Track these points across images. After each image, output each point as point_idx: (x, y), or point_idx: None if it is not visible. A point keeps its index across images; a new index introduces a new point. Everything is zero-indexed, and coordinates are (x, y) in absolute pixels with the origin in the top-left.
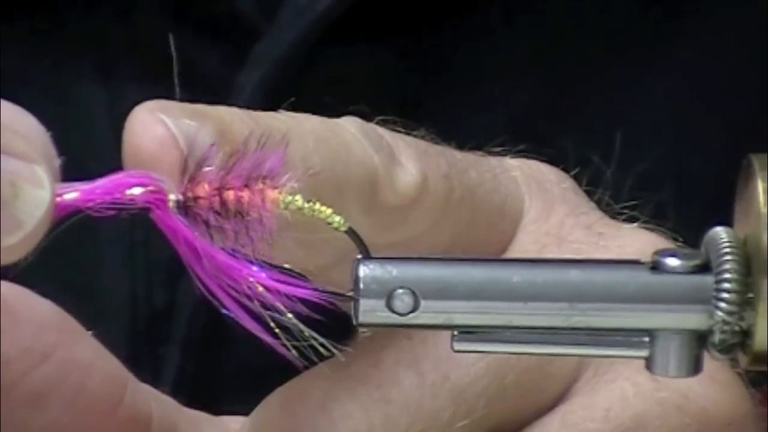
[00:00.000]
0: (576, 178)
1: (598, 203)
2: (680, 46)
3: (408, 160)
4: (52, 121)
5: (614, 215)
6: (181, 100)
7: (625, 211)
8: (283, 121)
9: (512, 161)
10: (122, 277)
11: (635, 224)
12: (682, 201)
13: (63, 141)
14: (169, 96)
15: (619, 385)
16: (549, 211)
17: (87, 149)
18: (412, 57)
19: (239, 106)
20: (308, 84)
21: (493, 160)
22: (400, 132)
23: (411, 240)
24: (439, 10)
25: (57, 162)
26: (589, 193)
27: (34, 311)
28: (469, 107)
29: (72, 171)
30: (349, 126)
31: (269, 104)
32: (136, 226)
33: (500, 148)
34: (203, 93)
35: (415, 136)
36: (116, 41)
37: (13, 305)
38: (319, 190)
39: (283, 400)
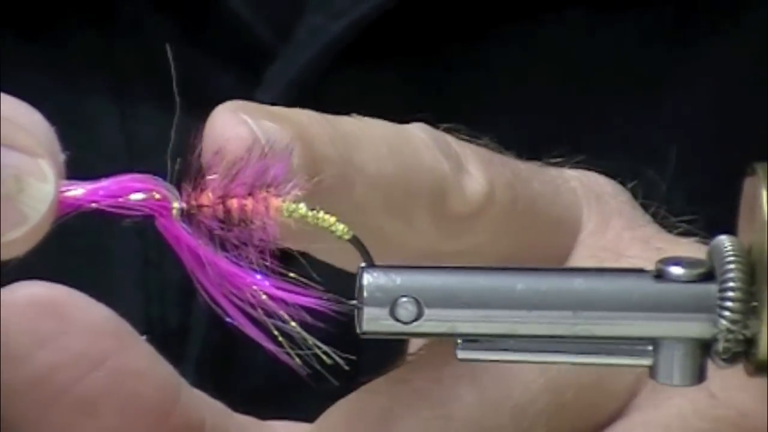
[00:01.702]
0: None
1: (653, 217)
2: (694, 71)
3: (475, 168)
4: (65, 139)
5: (669, 230)
6: (196, 121)
7: (681, 225)
8: (357, 125)
9: (571, 172)
10: (136, 297)
11: (692, 239)
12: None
13: (76, 159)
14: (181, 116)
15: (677, 403)
16: (606, 224)
17: (100, 167)
18: (424, 78)
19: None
20: (322, 105)
21: (554, 171)
22: (465, 140)
23: (474, 249)
24: (451, 32)
25: (61, 157)
26: (645, 207)
27: (88, 316)
28: (479, 128)
29: None
30: (419, 132)
31: None
32: (149, 246)
33: (559, 159)
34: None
35: (478, 144)
36: (129, 61)
37: (67, 310)
38: (390, 196)
39: (344, 414)
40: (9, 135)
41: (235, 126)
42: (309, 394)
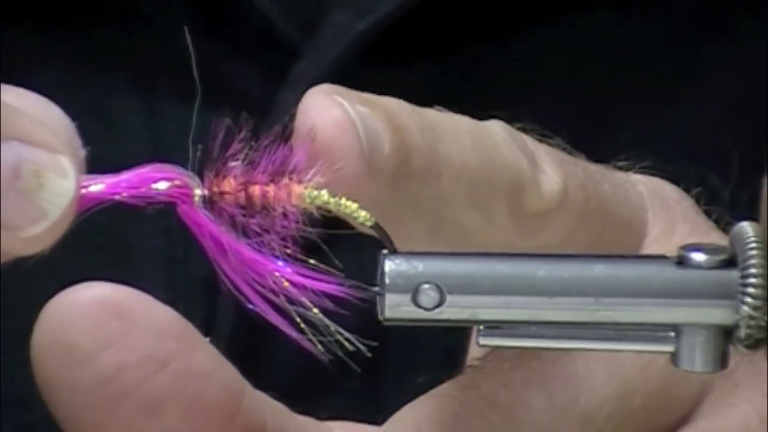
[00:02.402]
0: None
1: (717, 223)
2: (714, 71)
3: (549, 167)
4: (89, 136)
5: None
6: (221, 118)
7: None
8: (442, 117)
9: (638, 176)
10: (161, 295)
11: None
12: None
13: (101, 156)
14: (206, 113)
15: (742, 410)
16: (672, 229)
17: (124, 164)
18: (449, 76)
19: (281, 125)
20: None
21: (621, 174)
22: (538, 140)
23: (547, 248)
24: (476, 30)
25: (82, 152)
26: (707, 213)
27: (153, 318)
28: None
29: None
30: (498, 129)
31: None
32: (174, 243)
33: (625, 162)
34: (243, 111)
35: (551, 144)
36: (154, 58)
37: (133, 311)
38: (472, 189)
39: (414, 419)
40: (28, 130)
41: (330, 108)
42: (335, 391)
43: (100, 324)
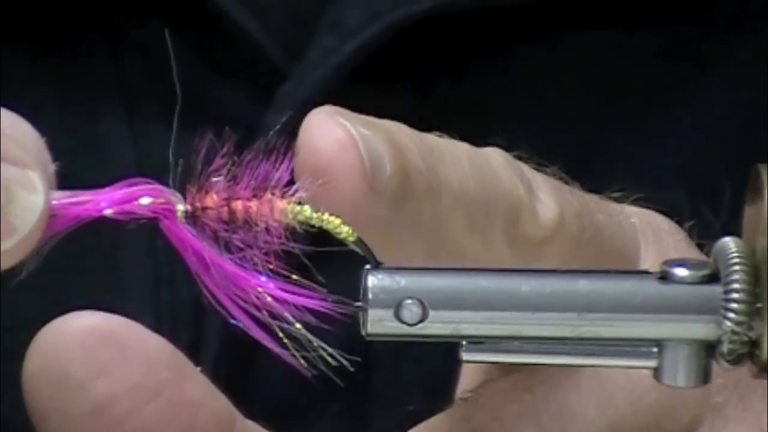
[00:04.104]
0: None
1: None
2: (710, 89)
3: (546, 195)
4: (76, 158)
5: None
6: (209, 139)
7: None
8: (442, 142)
9: (632, 208)
10: (147, 317)
11: None
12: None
13: (88, 178)
14: (192, 135)
15: None
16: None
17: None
18: (436, 97)
19: (267, 146)
20: None
21: (616, 205)
22: (534, 168)
23: None
24: (465, 51)
25: (52, 168)
26: (699, 246)
27: (145, 347)
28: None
29: None
30: (497, 155)
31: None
32: (161, 266)
33: (618, 194)
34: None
35: (547, 173)
36: (140, 81)
37: (125, 340)
38: (471, 213)
39: None
40: None
41: (333, 128)
42: (321, 414)
43: (92, 353)
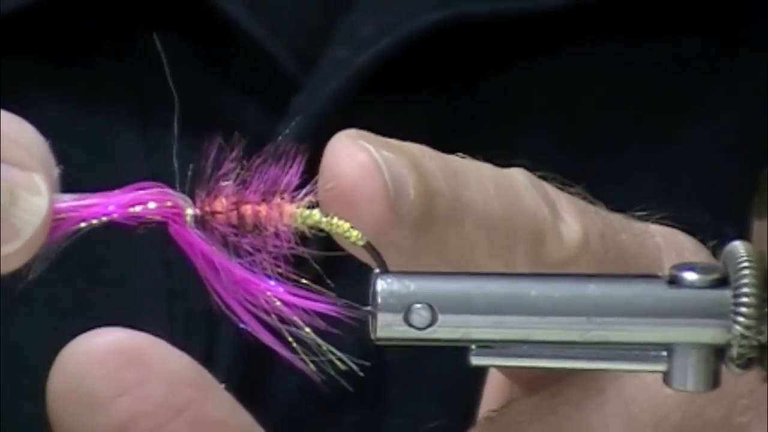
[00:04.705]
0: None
1: None
2: (719, 101)
3: (570, 216)
4: (89, 169)
5: None
6: (226, 160)
7: None
8: (465, 164)
9: (655, 227)
10: (161, 328)
11: None
12: None
13: (100, 189)
14: (203, 145)
15: None
16: None
17: None
18: (450, 108)
19: (276, 151)
20: None
21: (640, 224)
22: (558, 188)
23: None
24: (478, 62)
25: (56, 171)
26: None
27: (169, 365)
28: (507, 158)
29: None
30: (521, 176)
31: (310, 157)
32: (174, 276)
33: (642, 212)
34: (244, 146)
35: (571, 193)
36: (154, 92)
37: (149, 358)
38: (495, 236)
39: None
40: (2, 149)
41: (356, 152)
42: (335, 426)
43: (115, 371)
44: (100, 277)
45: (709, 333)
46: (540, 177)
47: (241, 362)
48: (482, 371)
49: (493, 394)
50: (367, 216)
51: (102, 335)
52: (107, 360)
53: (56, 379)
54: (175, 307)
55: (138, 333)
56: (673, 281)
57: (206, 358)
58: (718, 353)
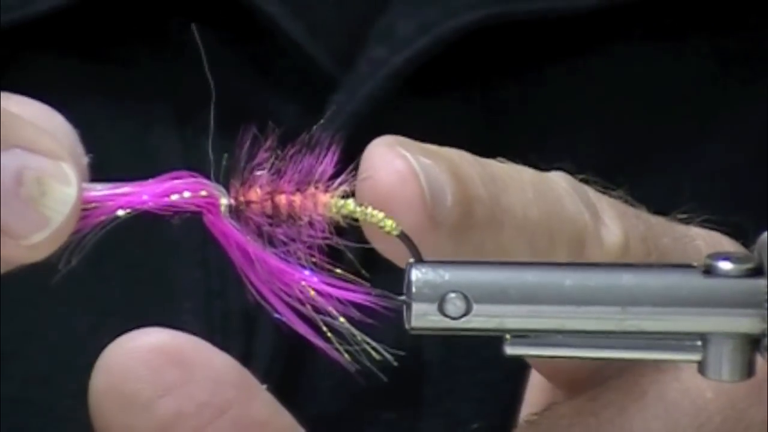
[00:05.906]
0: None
1: None
2: (748, 107)
3: (611, 219)
4: (128, 167)
5: None
6: (261, 150)
7: None
8: (504, 168)
9: (697, 230)
10: (199, 327)
11: None
12: None
13: None
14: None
15: None
16: None
17: None
18: (487, 107)
19: (311, 141)
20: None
21: (681, 227)
22: (600, 191)
23: None
24: (513, 62)
25: (85, 160)
26: None
27: (212, 366)
28: (541, 158)
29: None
30: (561, 180)
31: (347, 156)
32: (212, 276)
33: (685, 215)
34: (281, 143)
35: (612, 196)
36: (192, 91)
37: (192, 358)
38: (534, 241)
39: None
40: (31, 138)
41: (393, 159)
42: (373, 423)
43: (158, 371)
44: (139, 276)
45: (744, 323)
46: (581, 180)
47: (278, 361)
48: (519, 372)
49: (534, 396)
50: (405, 223)
51: (144, 335)
52: (150, 360)
53: (99, 379)
54: (214, 307)
55: (180, 333)
56: (708, 271)
57: (244, 357)
58: (753, 343)
